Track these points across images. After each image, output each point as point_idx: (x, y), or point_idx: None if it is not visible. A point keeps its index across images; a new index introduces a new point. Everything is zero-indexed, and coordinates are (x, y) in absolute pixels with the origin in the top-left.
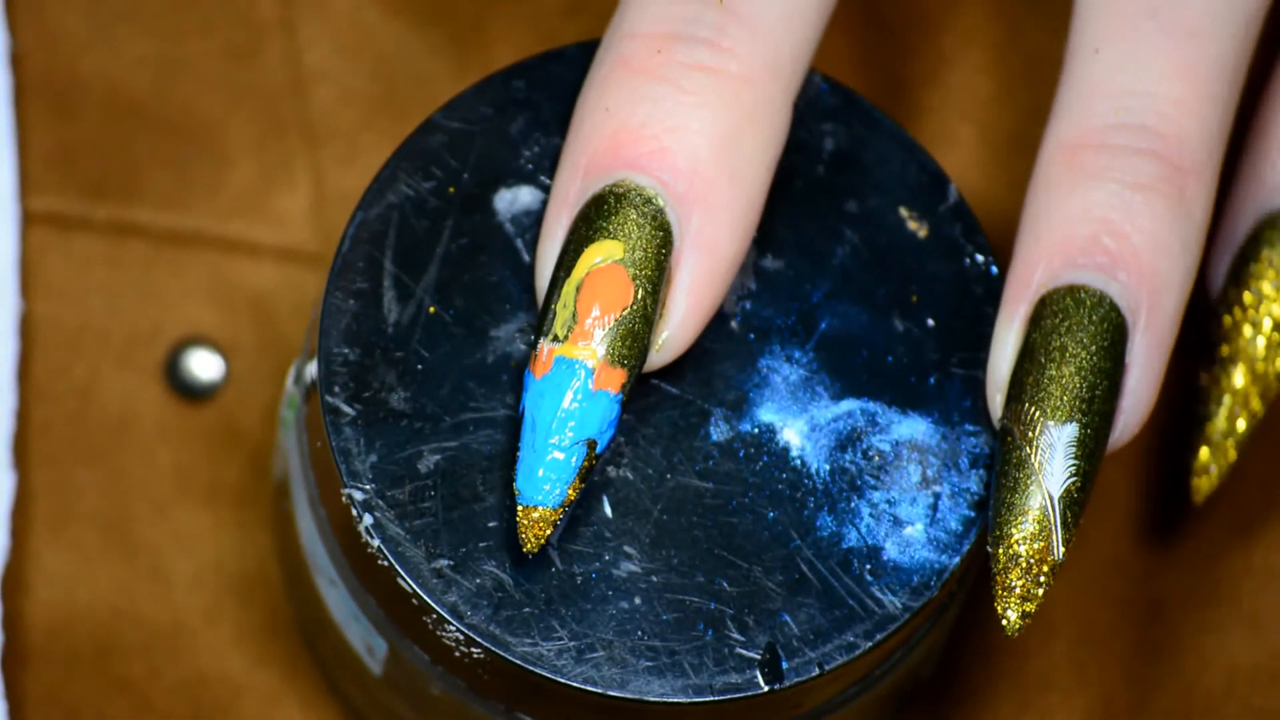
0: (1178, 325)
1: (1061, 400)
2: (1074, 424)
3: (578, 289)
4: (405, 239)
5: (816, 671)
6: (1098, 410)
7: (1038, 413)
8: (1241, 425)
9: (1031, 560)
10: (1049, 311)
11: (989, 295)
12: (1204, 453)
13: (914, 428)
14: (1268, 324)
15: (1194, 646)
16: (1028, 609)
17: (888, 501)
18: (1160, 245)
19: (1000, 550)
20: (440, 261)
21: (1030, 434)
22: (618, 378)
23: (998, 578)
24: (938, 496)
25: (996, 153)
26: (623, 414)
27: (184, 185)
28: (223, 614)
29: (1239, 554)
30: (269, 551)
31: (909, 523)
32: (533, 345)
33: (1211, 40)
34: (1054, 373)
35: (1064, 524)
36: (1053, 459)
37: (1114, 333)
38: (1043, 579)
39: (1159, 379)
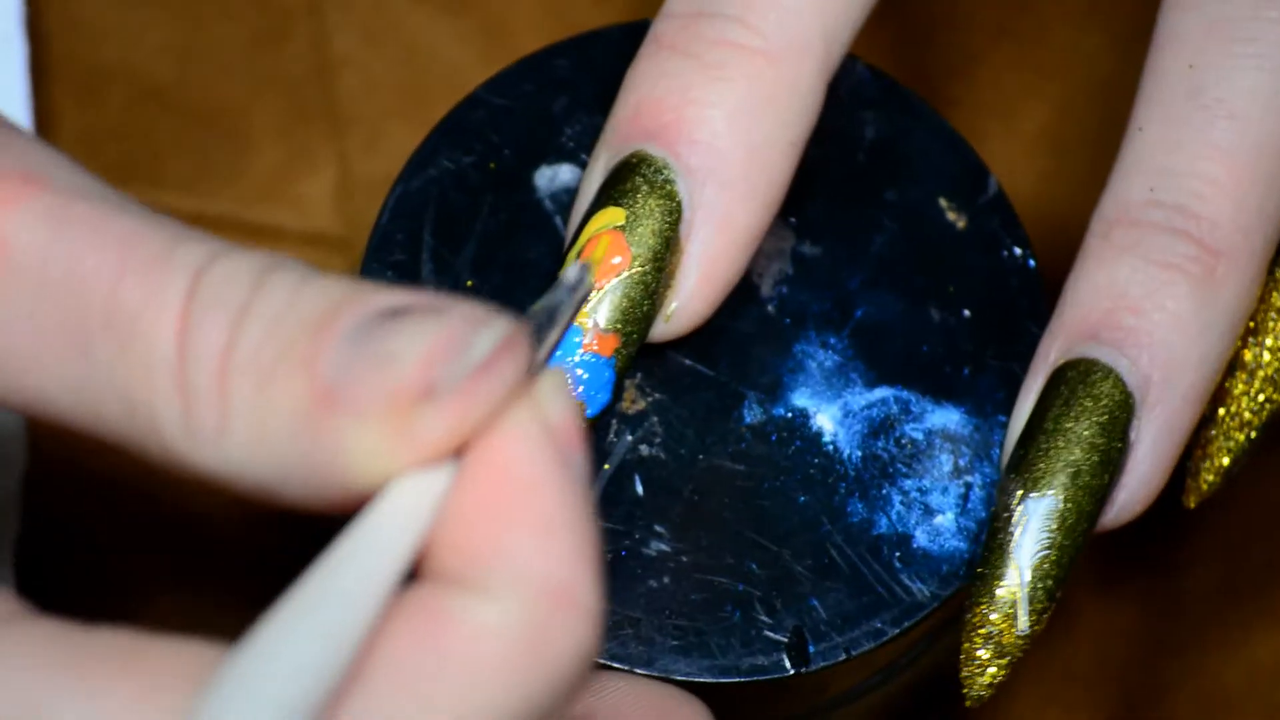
0: (1194, 408)
1: (1043, 473)
2: (1051, 498)
3: (578, 255)
4: (444, 213)
5: (843, 656)
6: (1083, 485)
7: (1019, 484)
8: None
9: (995, 633)
10: (1057, 383)
11: (1026, 288)
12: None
13: (947, 417)
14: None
15: (1217, 641)
16: (986, 682)
17: (919, 490)
18: (1180, 325)
19: (969, 618)
20: (479, 237)
21: (1010, 503)
22: (609, 343)
23: (964, 646)
24: (969, 486)
25: (1023, 148)
26: (619, 381)
27: (208, 170)
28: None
29: (1264, 549)
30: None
31: (939, 511)
32: None
33: (1256, 122)
34: (1044, 445)
35: (1032, 599)
36: (1026, 532)
37: (1115, 409)
38: (1006, 654)
39: (1168, 460)
